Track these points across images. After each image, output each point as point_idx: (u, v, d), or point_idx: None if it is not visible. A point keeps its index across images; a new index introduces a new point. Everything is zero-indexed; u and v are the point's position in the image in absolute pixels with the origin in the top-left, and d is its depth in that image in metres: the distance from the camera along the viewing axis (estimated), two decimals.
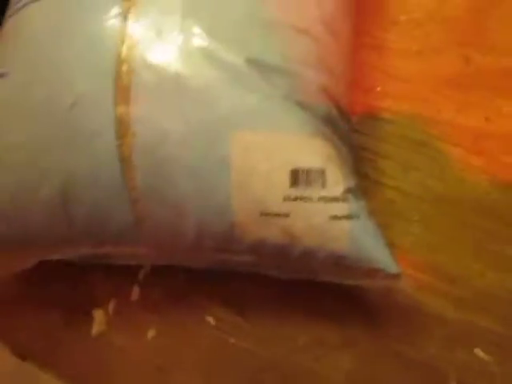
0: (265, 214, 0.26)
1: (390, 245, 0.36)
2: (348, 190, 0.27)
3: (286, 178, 0.26)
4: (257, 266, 0.30)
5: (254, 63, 0.26)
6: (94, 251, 0.31)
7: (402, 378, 0.34)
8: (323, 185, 0.26)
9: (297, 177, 0.26)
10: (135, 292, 0.39)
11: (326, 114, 0.28)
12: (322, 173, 0.26)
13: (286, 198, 0.26)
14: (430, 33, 0.41)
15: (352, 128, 0.34)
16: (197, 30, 0.27)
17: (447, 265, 0.36)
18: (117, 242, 0.30)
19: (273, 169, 0.26)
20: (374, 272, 0.27)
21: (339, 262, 0.27)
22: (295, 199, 0.26)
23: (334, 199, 0.26)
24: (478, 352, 0.34)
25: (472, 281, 0.35)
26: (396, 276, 0.27)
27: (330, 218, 0.26)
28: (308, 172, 0.26)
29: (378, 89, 0.40)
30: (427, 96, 0.39)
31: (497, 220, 0.36)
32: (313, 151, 0.26)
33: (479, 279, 0.35)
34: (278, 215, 0.26)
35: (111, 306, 0.38)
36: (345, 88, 0.33)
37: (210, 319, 0.37)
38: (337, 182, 0.26)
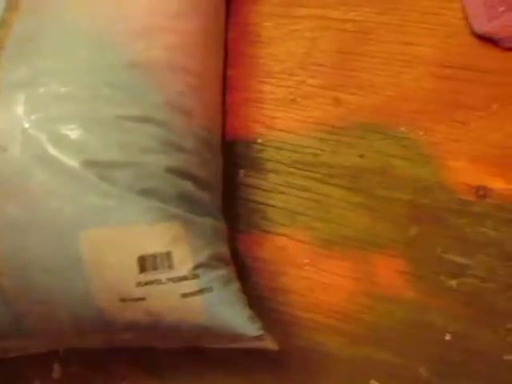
0: (123, 300, 0.28)
1: (286, 291, 0.38)
2: (198, 266, 0.29)
3: (134, 266, 0.28)
4: (138, 342, 0.32)
5: (89, 164, 0.29)
6: None
7: None
8: (170, 266, 0.28)
9: (144, 263, 0.28)
10: (56, 369, 0.41)
11: (176, 192, 0.30)
12: (167, 255, 0.28)
13: (138, 284, 0.28)
14: (301, 81, 0.43)
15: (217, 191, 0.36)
16: (39, 136, 0.29)
17: (339, 303, 0.38)
18: (7, 339, 0.31)
19: (121, 259, 0.28)
20: (238, 337, 0.29)
21: (203, 332, 0.29)
22: (146, 284, 0.28)
23: (182, 278, 0.28)
24: (374, 383, 0.35)
25: (362, 315, 0.37)
26: (260, 337, 0.29)
27: (182, 296, 0.28)
28: (153, 257, 0.28)
29: (259, 140, 0.42)
30: (305, 142, 0.41)
31: (381, 249, 0.38)
32: (156, 237, 0.28)
33: (369, 313, 0.37)
34: (135, 300, 0.28)
35: None
36: (211, 155, 0.36)
37: None
38: (183, 261, 0.28)
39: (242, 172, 0.42)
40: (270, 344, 0.30)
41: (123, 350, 0.38)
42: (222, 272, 0.30)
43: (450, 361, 0.35)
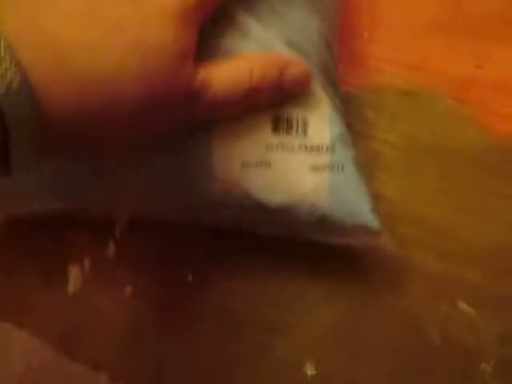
0: (245, 165, 0.25)
1: (377, 196, 0.35)
2: (334, 138, 0.25)
3: (267, 125, 0.24)
4: (238, 222, 0.28)
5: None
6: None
7: (383, 331, 0.33)
8: (305, 133, 0.24)
9: (278, 124, 0.24)
10: (111, 248, 0.37)
11: (322, 60, 0.27)
12: (303, 121, 0.25)
13: (268, 146, 0.25)
14: None
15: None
16: None
17: (433, 217, 0.35)
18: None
19: (254, 116, 0.24)
20: (355, 228, 0.26)
21: (319, 215, 0.26)
22: (277, 147, 0.24)
23: (316, 148, 0.24)
24: (462, 304, 0.33)
25: (457, 233, 0.35)
26: (377, 233, 0.26)
27: (311, 168, 0.25)
28: (289, 119, 0.24)
29: (365, 35, 0.38)
30: (413, 43, 0.37)
31: (483, 171, 0.35)
32: (295, 99, 0.25)
33: (465, 231, 0.34)
34: (259, 164, 0.25)
35: (87, 263, 0.37)
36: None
37: (190, 276, 0.36)
38: (320, 130, 0.25)
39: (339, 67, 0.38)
40: (384, 241, 0.27)
41: (188, 235, 0.35)
42: (354, 152, 0.26)
43: None
